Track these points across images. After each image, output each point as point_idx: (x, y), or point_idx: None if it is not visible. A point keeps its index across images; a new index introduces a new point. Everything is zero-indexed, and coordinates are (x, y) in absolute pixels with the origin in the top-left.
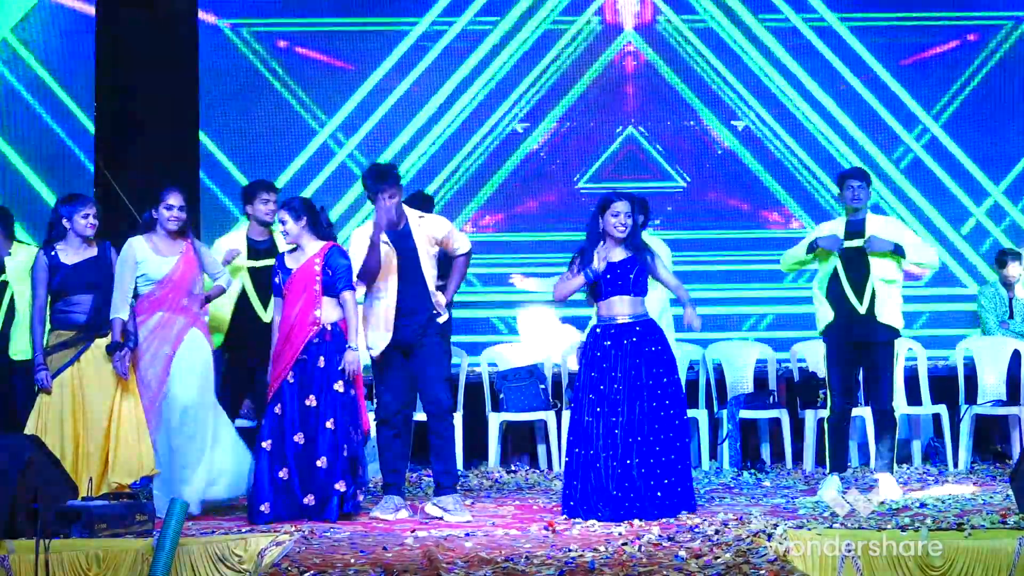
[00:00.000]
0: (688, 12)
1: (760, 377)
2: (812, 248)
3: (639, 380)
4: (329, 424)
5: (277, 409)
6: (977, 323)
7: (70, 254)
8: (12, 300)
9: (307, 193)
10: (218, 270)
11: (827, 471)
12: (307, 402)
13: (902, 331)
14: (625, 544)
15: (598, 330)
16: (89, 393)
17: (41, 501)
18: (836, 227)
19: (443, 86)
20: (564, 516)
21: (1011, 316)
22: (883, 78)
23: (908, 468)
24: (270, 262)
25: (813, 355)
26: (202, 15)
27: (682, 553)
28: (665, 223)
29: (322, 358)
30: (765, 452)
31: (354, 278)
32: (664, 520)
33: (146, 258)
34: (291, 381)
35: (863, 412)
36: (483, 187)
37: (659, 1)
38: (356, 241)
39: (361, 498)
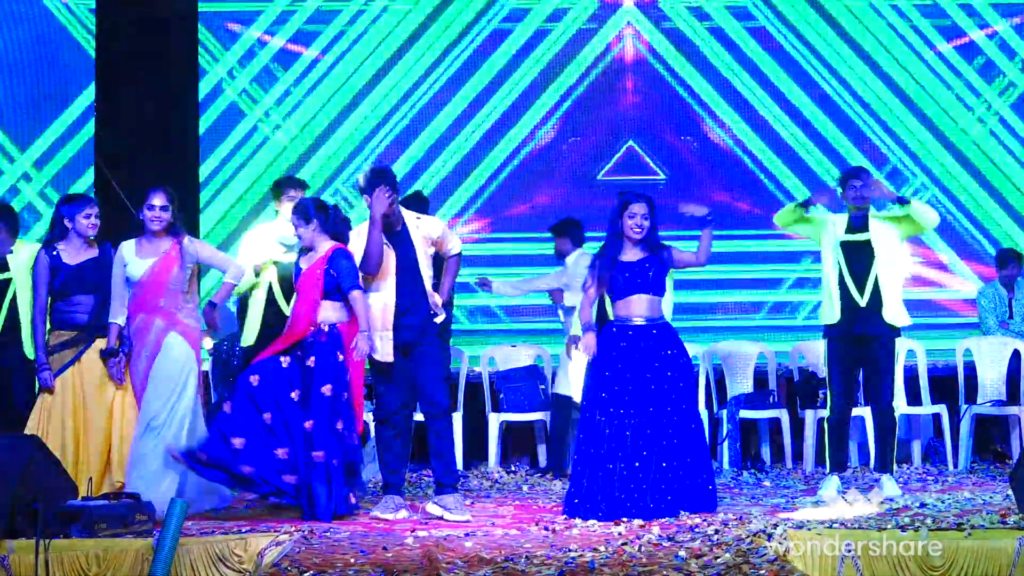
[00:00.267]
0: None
1: (760, 377)
2: (807, 202)
3: (653, 384)
4: (308, 424)
5: (253, 380)
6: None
7: (71, 254)
8: (14, 298)
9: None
10: (227, 266)
11: (827, 471)
12: (292, 395)
13: (909, 325)
14: (625, 544)
15: (614, 329)
16: (89, 393)
17: (41, 501)
18: (839, 220)
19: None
20: (564, 516)
21: (1011, 316)
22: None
23: (908, 468)
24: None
25: (813, 355)
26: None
27: (682, 553)
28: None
29: (312, 358)
30: (765, 452)
31: (359, 278)
32: (664, 520)
33: (130, 260)
34: (284, 365)
35: (863, 412)
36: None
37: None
38: (356, 241)
39: (354, 499)
